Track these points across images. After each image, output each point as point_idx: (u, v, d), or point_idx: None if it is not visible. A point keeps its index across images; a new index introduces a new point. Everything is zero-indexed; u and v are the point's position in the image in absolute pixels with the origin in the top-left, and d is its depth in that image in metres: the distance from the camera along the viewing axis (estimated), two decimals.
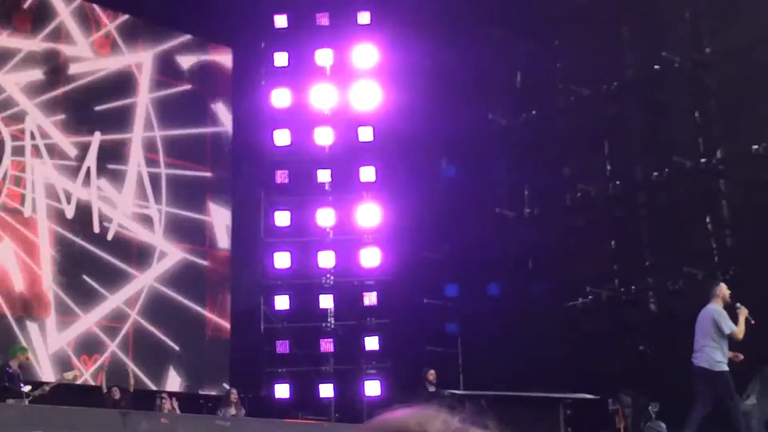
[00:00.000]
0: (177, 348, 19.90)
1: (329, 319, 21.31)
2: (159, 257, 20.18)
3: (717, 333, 11.25)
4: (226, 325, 20.98)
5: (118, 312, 19.30)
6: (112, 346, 18.99)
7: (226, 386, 18.63)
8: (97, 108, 19.75)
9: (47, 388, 13.86)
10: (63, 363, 17.81)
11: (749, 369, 12.93)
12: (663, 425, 15.77)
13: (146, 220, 20.16)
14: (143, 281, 19.76)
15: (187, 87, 21.28)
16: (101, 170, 19.63)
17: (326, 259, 21.41)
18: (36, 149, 18.79)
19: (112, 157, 19.90)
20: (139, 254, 19.90)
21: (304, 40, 22.09)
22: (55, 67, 19.12)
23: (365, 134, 21.78)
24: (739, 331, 11.21)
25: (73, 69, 19.49)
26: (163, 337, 19.84)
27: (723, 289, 11.51)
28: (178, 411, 17.18)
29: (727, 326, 11.15)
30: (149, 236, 20.14)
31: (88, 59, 19.72)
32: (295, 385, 20.85)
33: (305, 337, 21.13)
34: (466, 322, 20.44)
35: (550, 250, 20.32)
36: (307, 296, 21.24)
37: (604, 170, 19.73)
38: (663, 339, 18.10)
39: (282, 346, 21.01)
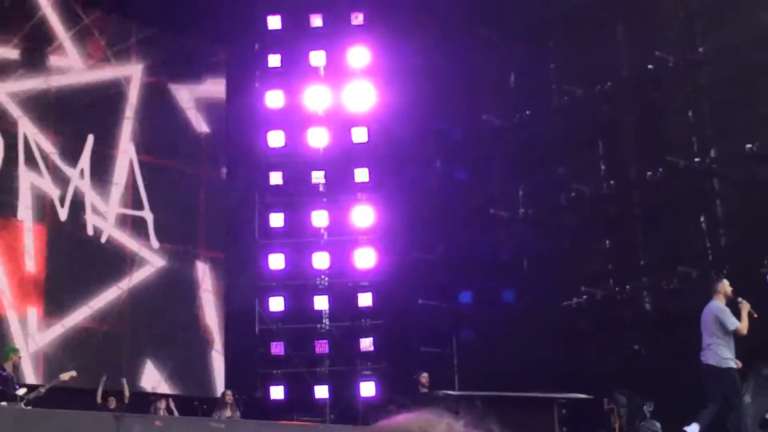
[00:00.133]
0: (165, 348, 19.87)
1: (324, 321, 21.30)
2: (152, 258, 20.13)
3: (721, 330, 11.25)
4: (218, 328, 20.95)
5: (111, 312, 19.26)
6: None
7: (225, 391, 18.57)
8: (88, 112, 19.72)
9: (43, 390, 13.81)
10: (50, 363, 17.83)
11: (744, 368, 12.89)
12: (658, 424, 15.77)
13: (140, 223, 20.11)
14: (133, 283, 19.70)
15: (179, 89, 21.23)
16: (94, 173, 19.59)
17: (321, 261, 21.39)
18: (28, 153, 18.76)
19: (104, 160, 19.87)
20: (131, 255, 19.85)
21: (298, 41, 22.08)
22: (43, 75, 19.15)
23: (359, 135, 21.77)
24: (743, 326, 11.21)
25: (64, 79, 19.45)
26: (155, 338, 19.82)
27: (725, 285, 11.51)
28: (176, 412, 17.14)
29: (731, 322, 11.14)
30: (142, 238, 20.09)
31: (79, 70, 19.68)
32: (290, 387, 20.84)
33: (300, 338, 21.11)
34: (462, 321, 20.43)
35: (544, 249, 20.32)
36: (301, 298, 21.23)
37: (598, 170, 19.74)
38: (658, 338, 18.12)
39: (277, 348, 20.99)
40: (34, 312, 18.30)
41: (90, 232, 19.37)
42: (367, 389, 20.45)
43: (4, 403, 13.00)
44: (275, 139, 21.73)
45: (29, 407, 12.86)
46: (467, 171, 21.14)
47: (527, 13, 20.39)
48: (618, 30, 19.79)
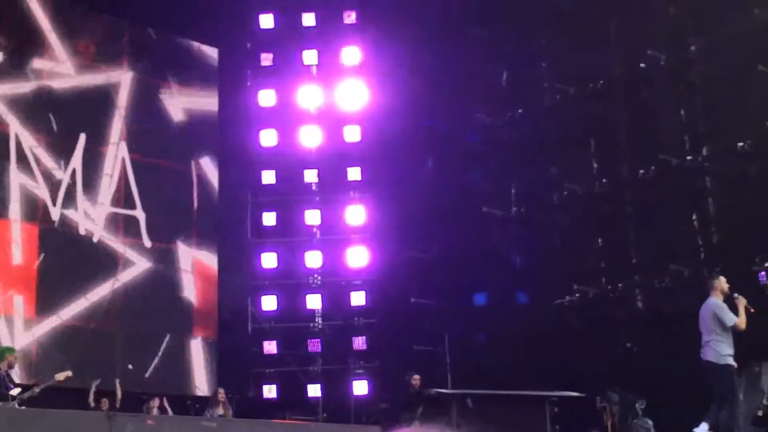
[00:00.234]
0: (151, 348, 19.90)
1: (317, 319, 21.30)
2: (143, 257, 20.12)
3: (720, 326, 11.26)
4: (211, 326, 20.95)
5: (100, 311, 19.26)
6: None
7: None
8: (80, 112, 19.69)
9: (37, 390, 13.77)
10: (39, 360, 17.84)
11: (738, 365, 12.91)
12: (650, 422, 15.82)
13: (132, 222, 20.08)
14: (124, 282, 19.68)
15: (171, 88, 21.20)
16: (86, 172, 19.57)
17: (313, 259, 21.40)
18: (19, 153, 18.74)
19: (96, 159, 19.84)
20: (122, 255, 19.83)
21: (290, 40, 22.07)
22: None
23: (352, 134, 21.76)
24: (741, 321, 11.23)
25: (54, 78, 19.41)
26: (146, 336, 19.82)
27: (722, 282, 11.52)
28: (170, 411, 17.12)
29: (729, 318, 11.16)
30: (134, 237, 20.06)
31: (69, 69, 19.63)
32: (282, 386, 20.84)
33: (293, 337, 21.11)
34: (455, 320, 20.43)
35: (537, 248, 20.36)
36: (294, 296, 21.23)
37: (590, 168, 19.76)
38: (650, 336, 18.15)
39: (269, 347, 20.98)
40: (21, 309, 18.26)
41: (82, 231, 19.33)
42: (360, 388, 20.46)
43: None
44: (268, 138, 21.72)
45: (23, 407, 12.82)
46: (459, 170, 21.13)
47: (519, 11, 20.40)
48: (610, 28, 19.79)
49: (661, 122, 18.96)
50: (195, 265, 20.85)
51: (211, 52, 22.01)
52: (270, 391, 20.78)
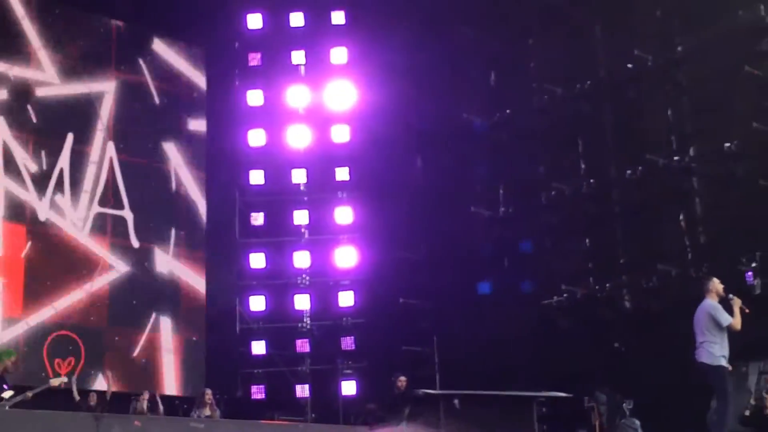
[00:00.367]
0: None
1: (305, 320, 21.29)
2: (129, 258, 20.09)
3: (715, 327, 11.30)
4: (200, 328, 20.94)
5: (88, 310, 19.23)
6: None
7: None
8: (68, 112, 19.66)
9: (30, 394, 13.74)
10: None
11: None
12: (637, 422, 15.85)
13: (119, 222, 20.04)
14: (110, 281, 19.64)
15: (159, 87, 21.17)
16: (73, 172, 19.54)
17: (302, 259, 21.38)
18: (6, 155, 18.70)
19: (83, 159, 19.80)
20: (109, 255, 19.80)
21: (278, 40, 22.05)
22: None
23: (340, 134, 21.75)
24: (736, 321, 11.27)
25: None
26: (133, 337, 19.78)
27: (716, 284, 11.55)
28: (161, 405, 17.06)
29: (724, 319, 11.20)
30: (122, 237, 20.03)
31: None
32: (271, 386, 20.81)
33: (281, 337, 21.08)
34: (443, 320, 20.43)
35: (525, 248, 20.38)
36: (282, 297, 21.21)
37: (578, 169, 19.79)
38: (637, 336, 18.17)
39: (258, 347, 20.96)
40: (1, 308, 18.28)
41: (68, 231, 19.29)
42: (348, 388, 20.46)
43: None
44: (256, 137, 21.69)
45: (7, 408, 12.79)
46: (448, 170, 21.13)
47: (507, 12, 20.42)
48: (597, 29, 19.84)
49: (649, 123, 19.00)
50: (181, 265, 20.84)
51: (199, 52, 21.98)
52: (258, 392, 20.75)
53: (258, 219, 21.37)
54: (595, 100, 19.66)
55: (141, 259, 20.19)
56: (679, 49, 18.42)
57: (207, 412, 15.77)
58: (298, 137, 21.84)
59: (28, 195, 18.90)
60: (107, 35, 20.60)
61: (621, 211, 19.49)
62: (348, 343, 20.97)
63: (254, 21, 21.94)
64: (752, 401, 14.83)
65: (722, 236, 17.48)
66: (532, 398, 12.31)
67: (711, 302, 11.40)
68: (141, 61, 20.94)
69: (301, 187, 21.78)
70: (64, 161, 19.46)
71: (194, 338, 20.69)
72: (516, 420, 12.03)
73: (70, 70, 19.86)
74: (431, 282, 20.76)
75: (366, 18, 21.75)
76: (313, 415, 19.76)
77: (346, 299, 21.15)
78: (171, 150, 21.17)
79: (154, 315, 20.22)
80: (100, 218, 19.77)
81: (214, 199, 21.58)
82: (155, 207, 20.65)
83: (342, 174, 21.54)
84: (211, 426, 13.67)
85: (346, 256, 21.32)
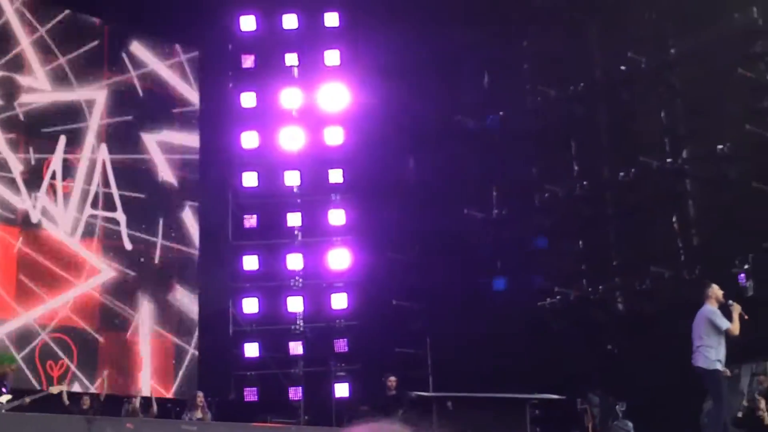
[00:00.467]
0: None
1: (298, 322, 21.26)
2: (124, 259, 20.06)
3: (712, 332, 11.38)
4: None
5: (79, 310, 19.20)
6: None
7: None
8: (60, 114, 19.62)
9: (28, 400, 13.72)
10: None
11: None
12: (630, 424, 15.87)
13: (112, 224, 20.01)
14: (100, 283, 19.62)
15: (150, 89, 21.14)
16: (66, 175, 19.50)
17: (295, 262, 21.36)
18: None
19: (76, 161, 19.76)
20: (101, 257, 19.77)
21: (272, 42, 22.03)
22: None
23: (334, 136, 21.74)
24: (735, 327, 11.34)
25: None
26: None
27: (715, 290, 11.63)
28: (155, 407, 17.02)
29: (722, 324, 11.27)
30: (115, 239, 20.00)
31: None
32: (264, 388, 20.78)
33: (274, 339, 21.05)
34: (436, 322, 20.42)
35: (518, 250, 20.40)
36: (275, 299, 21.18)
37: (571, 170, 19.81)
38: (630, 338, 18.20)
39: (251, 349, 20.92)
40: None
41: (62, 233, 19.25)
42: (341, 390, 20.43)
43: None
44: (249, 139, 21.67)
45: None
46: (441, 171, 21.13)
47: (501, 14, 20.43)
48: (591, 31, 19.88)
49: (642, 125, 19.04)
50: (174, 266, 20.83)
51: (193, 54, 21.95)
52: (251, 394, 20.71)
53: (251, 221, 21.34)
54: (589, 102, 19.70)
55: (133, 260, 20.14)
56: (673, 51, 18.47)
57: (199, 414, 15.77)
58: (292, 139, 21.82)
59: (20, 197, 18.84)
60: (99, 37, 20.54)
61: (614, 213, 19.54)
62: (341, 345, 20.94)
63: (247, 23, 21.92)
64: (745, 403, 14.86)
65: (715, 238, 17.53)
66: (525, 400, 12.35)
67: (710, 307, 11.48)
68: (133, 63, 20.88)
69: (295, 189, 21.76)
70: (56, 163, 19.41)
71: (187, 340, 20.64)
72: (509, 422, 12.06)
73: (62, 72, 19.80)
74: (424, 284, 20.76)
75: (359, 20, 21.74)
76: (306, 418, 19.72)
77: (339, 301, 21.12)
78: (163, 152, 21.12)
79: (146, 317, 20.16)
80: (92, 220, 19.71)
81: (207, 200, 21.55)
82: (148, 209, 20.59)
83: (335, 176, 21.52)
84: (203, 428, 13.69)
85: (340, 258, 21.30)
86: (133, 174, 20.51)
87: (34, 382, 17.97)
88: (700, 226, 18.03)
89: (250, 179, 21.51)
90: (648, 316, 17.95)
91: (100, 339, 19.39)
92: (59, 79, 19.75)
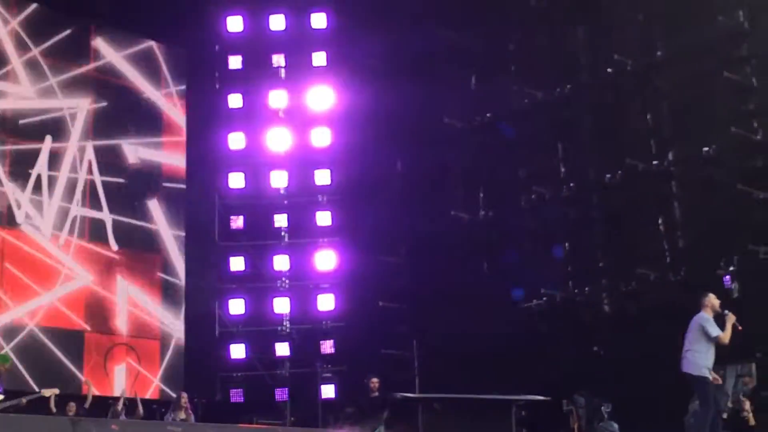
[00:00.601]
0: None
1: (284, 323, 21.25)
2: (109, 260, 20.02)
3: (702, 338, 11.44)
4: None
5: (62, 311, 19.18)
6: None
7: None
8: (46, 114, 19.59)
9: (24, 401, 13.66)
10: None
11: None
12: (615, 425, 15.88)
13: (98, 224, 19.96)
14: (84, 284, 19.58)
15: (138, 89, 21.11)
16: (52, 174, 19.45)
17: (281, 263, 21.34)
18: None
19: (61, 161, 19.71)
20: (89, 257, 19.73)
21: (259, 42, 22.01)
22: None
23: (321, 137, 21.72)
24: (725, 336, 11.41)
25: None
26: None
27: (712, 299, 11.70)
28: (141, 409, 16.95)
29: (713, 330, 11.36)
30: (100, 240, 19.95)
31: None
32: (250, 389, 20.75)
33: (260, 341, 21.03)
34: (423, 323, 20.43)
35: (505, 251, 20.42)
36: (262, 300, 21.16)
37: (558, 172, 19.84)
38: (616, 340, 18.23)
39: (237, 351, 20.89)
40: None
41: (46, 233, 19.20)
42: (328, 391, 20.42)
43: None
44: (236, 140, 21.63)
45: None
46: (428, 173, 21.14)
47: (488, 17, 20.45)
48: (577, 33, 19.91)
49: (628, 127, 19.08)
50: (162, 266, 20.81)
51: (180, 54, 21.91)
52: (237, 395, 20.69)
53: (238, 222, 21.31)
54: (575, 104, 19.72)
55: (119, 261, 20.09)
56: (659, 54, 18.51)
57: (182, 415, 15.72)
58: (279, 140, 21.80)
59: (3, 197, 18.77)
60: (87, 37, 20.49)
61: (600, 215, 19.56)
62: (328, 346, 20.93)
63: (235, 24, 21.89)
64: (730, 404, 14.90)
65: (700, 240, 17.58)
66: (511, 401, 12.31)
67: (703, 314, 11.56)
68: (120, 63, 20.84)
69: (281, 190, 21.74)
70: (41, 164, 19.35)
71: (173, 341, 20.60)
72: (495, 423, 12.03)
73: (50, 70, 19.74)
74: (411, 285, 20.77)
75: (347, 21, 21.74)
76: (292, 419, 19.72)
77: (325, 303, 21.11)
78: (150, 152, 21.08)
79: (133, 317, 20.12)
80: (78, 221, 19.66)
81: (194, 202, 21.51)
82: (134, 210, 20.55)
83: (322, 177, 21.51)
84: (189, 429, 13.60)
85: (326, 260, 21.29)
86: (120, 174, 20.46)
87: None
88: (686, 228, 18.08)
89: (236, 180, 21.48)
90: (634, 317, 17.99)
91: (87, 340, 19.34)
92: (47, 76, 19.68)
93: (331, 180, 21.48)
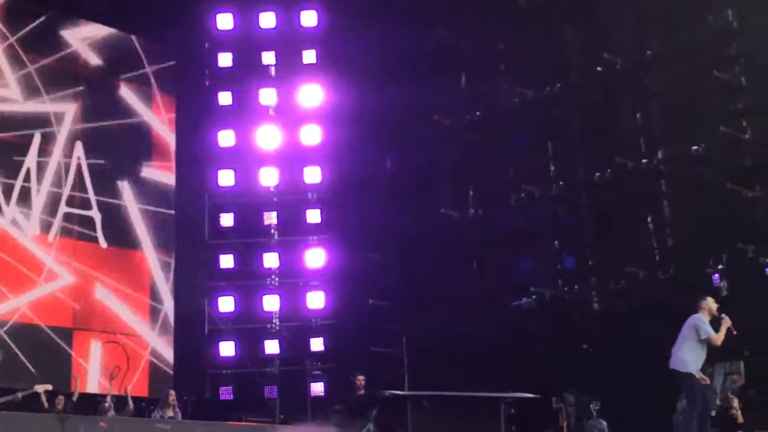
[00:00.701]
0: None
1: (274, 321, 21.24)
2: (99, 257, 19.99)
3: (694, 338, 11.53)
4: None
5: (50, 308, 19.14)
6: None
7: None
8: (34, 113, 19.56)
9: (20, 395, 13.65)
10: None
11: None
12: (604, 423, 15.93)
13: (87, 222, 19.94)
14: (73, 282, 19.54)
15: (127, 87, 21.08)
16: (40, 172, 19.41)
17: (271, 261, 21.33)
18: None
19: (51, 159, 19.67)
20: (77, 254, 19.70)
21: (249, 40, 21.99)
22: None
23: (310, 134, 21.70)
24: (717, 337, 11.48)
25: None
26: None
27: (709, 303, 11.76)
28: (131, 402, 16.88)
29: (704, 331, 11.44)
30: (89, 240, 19.92)
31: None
32: (239, 387, 20.73)
33: (250, 338, 21.01)
34: (412, 321, 20.44)
35: (494, 250, 20.44)
36: (251, 298, 21.14)
37: (547, 171, 19.86)
38: (605, 338, 18.27)
39: (226, 348, 20.87)
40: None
41: (33, 231, 19.16)
42: (317, 389, 20.43)
43: None
44: (226, 138, 21.61)
45: None
46: (418, 171, 21.16)
47: (479, 15, 20.47)
48: (567, 32, 19.94)
49: (618, 126, 19.13)
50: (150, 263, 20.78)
51: (169, 52, 21.88)
52: (227, 393, 20.67)
53: (227, 219, 21.28)
54: (565, 102, 19.76)
55: (108, 258, 20.06)
56: (649, 53, 18.55)
57: (170, 413, 15.71)
58: (268, 138, 21.78)
59: None
60: (77, 35, 20.44)
61: (590, 214, 19.60)
62: (317, 344, 20.93)
63: (225, 21, 21.85)
64: (718, 402, 14.93)
65: (690, 239, 17.63)
66: (500, 399, 12.34)
67: (698, 315, 11.63)
68: (109, 61, 20.80)
69: (271, 188, 21.71)
70: (30, 161, 19.31)
71: (162, 338, 20.59)
72: (484, 421, 12.06)
73: (39, 70, 19.70)
74: (401, 283, 20.78)
75: (337, 19, 21.72)
76: (282, 416, 19.71)
77: (315, 300, 21.10)
78: (139, 150, 21.05)
79: (122, 314, 20.10)
80: (67, 218, 19.62)
81: (183, 199, 21.48)
82: (123, 207, 20.52)
83: (312, 175, 21.49)
84: (177, 427, 13.62)
85: (316, 257, 21.27)
86: (109, 172, 20.43)
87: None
88: (675, 227, 18.13)
89: (226, 178, 21.45)
90: (623, 315, 18.04)
91: (75, 337, 19.31)
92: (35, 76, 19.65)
93: (321, 178, 21.46)
